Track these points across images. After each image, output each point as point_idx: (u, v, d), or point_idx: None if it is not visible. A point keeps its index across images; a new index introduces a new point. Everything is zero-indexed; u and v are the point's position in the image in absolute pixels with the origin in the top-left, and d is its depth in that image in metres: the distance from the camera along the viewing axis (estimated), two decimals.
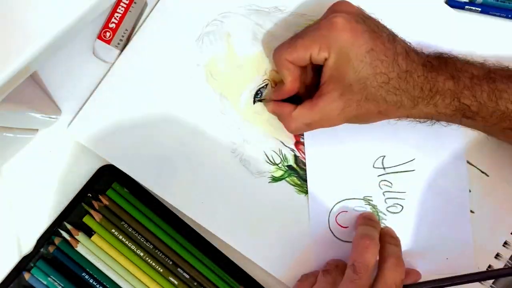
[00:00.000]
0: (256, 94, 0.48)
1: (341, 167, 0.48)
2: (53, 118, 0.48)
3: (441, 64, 0.41)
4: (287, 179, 0.48)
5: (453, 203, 0.47)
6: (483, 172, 0.48)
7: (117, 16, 0.48)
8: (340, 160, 0.48)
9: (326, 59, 0.40)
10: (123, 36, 0.48)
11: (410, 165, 0.48)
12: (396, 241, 0.45)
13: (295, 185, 0.48)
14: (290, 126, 0.43)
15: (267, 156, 0.48)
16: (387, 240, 0.44)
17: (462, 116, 0.41)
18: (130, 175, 0.47)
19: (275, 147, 0.48)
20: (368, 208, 0.47)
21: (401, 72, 0.39)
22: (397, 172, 0.48)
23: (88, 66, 0.49)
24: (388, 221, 0.48)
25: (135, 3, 0.48)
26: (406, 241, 0.47)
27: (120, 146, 0.47)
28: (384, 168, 0.48)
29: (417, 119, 0.42)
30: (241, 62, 0.48)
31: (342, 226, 0.47)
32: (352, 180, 0.48)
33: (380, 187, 0.48)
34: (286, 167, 0.48)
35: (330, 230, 0.47)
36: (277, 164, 0.48)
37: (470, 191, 0.48)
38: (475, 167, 0.48)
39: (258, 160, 0.48)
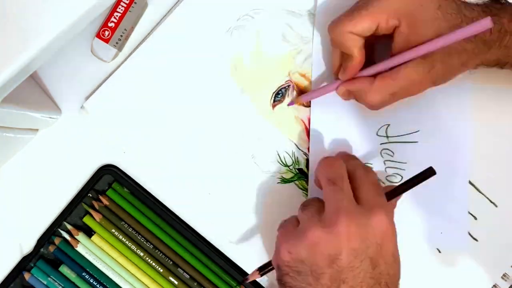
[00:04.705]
0: (277, 94, 0.48)
1: (344, 132, 0.47)
2: (53, 118, 0.48)
3: (499, 9, 0.40)
4: (296, 182, 0.48)
5: (453, 175, 0.47)
6: (491, 202, 0.47)
7: (117, 16, 0.48)
8: (343, 125, 0.47)
9: (397, 27, 0.40)
10: (121, 36, 0.48)
11: (413, 137, 0.47)
12: (355, 157, 0.44)
13: (303, 189, 0.48)
14: (374, 98, 0.41)
15: (279, 156, 0.48)
16: (346, 158, 0.43)
17: None
18: (136, 158, 0.48)
19: (288, 149, 0.48)
20: None
21: (469, 21, 0.39)
22: (400, 142, 0.47)
23: (87, 65, 0.49)
24: None
25: (135, 3, 0.48)
26: (400, 211, 0.46)
27: (132, 127, 0.48)
28: (387, 137, 0.47)
29: (489, 65, 0.42)
30: (266, 60, 0.48)
31: None
32: (354, 145, 0.47)
33: (382, 156, 0.47)
34: (297, 170, 0.48)
35: None
36: (288, 166, 0.48)
37: (476, 218, 0.47)
38: (484, 196, 0.47)
39: (270, 160, 0.48)
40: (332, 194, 0.39)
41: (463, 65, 0.41)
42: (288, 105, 0.48)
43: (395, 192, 0.41)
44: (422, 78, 0.40)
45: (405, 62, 0.40)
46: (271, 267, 0.42)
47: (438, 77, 0.41)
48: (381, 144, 0.47)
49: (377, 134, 0.47)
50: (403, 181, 0.44)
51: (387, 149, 0.47)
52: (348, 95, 0.43)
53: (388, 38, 0.41)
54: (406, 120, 0.47)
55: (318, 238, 0.37)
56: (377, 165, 0.47)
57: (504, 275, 0.47)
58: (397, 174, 0.47)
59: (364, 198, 0.39)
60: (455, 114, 0.47)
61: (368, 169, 0.42)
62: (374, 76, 0.41)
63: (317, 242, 0.37)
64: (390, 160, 0.47)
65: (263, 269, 0.42)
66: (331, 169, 0.40)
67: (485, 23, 0.35)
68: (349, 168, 0.41)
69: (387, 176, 0.47)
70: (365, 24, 0.40)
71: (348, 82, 0.43)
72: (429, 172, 0.41)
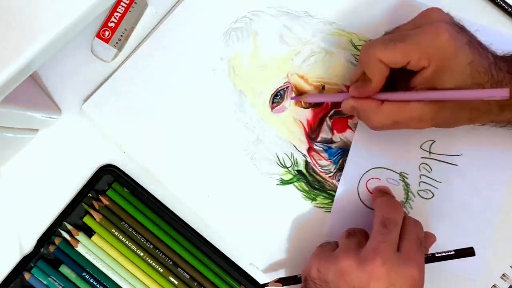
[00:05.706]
0: (276, 95, 0.48)
1: (389, 136, 0.47)
2: (53, 118, 0.48)
3: None
4: (295, 183, 0.48)
5: (482, 208, 0.47)
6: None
7: (117, 16, 0.48)
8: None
9: (424, 68, 0.39)
10: (121, 36, 0.48)
11: (455, 159, 0.47)
12: (407, 212, 0.45)
13: (302, 190, 0.48)
14: (375, 120, 0.42)
15: (278, 158, 0.48)
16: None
17: None
18: (136, 159, 0.48)
19: (287, 150, 0.48)
20: (400, 184, 0.47)
21: (494, 82, 0.39)
22: (440, 161, 0.47)
23: (87, 65, 0.49)
24: (415, 203, 0.47)
25: (135, 3, 0.48)
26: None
27: (131, 129, 0.48)
28: (430, 152, 0.47)
29: (499, 124, 0.43)
30: (265, 62, 0.49)
31: (369, 191, 0.47)
32: (395, 152, 0.47)
33: (419, 169, 0.47)
34: (295, 171, 0.48)
35: (358, 190, 0.47)
36: (287, 167, 0.48)
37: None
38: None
39: (269, 161, 0.48)
40: (379, 234, 0.40)
41: (471, 120, 0.41)
42: (292, 98, 0.48)
43: (431, 259, 0.42)
44: (427, 117, 0.40)
45: None
46: (292, 281, 0.44)
47: (442, 122, 0.41)
48: (422, 157, 0.47)
49: (420, 147, 0.47)
50: (433, 199, 0.47)
51: (426, 164, 0.47)
52: (352, 111, 0.44)
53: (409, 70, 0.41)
54: (452, 142, 0.47)
55: (348, 268, 0.38)
56: (412, 177, 0.47)
57: (503, 275, 0.47)
58: (429, 190, 0.47)
59: (405, 248, 0.39)
60: (499, 153, 0.47)
61: (417, 224, 0.42)
62: (382, 100, 0.41)
63: (346, 271, 0.38)
64: (426, 176, 0.47)
65: (285, 281, 0.44)
66: (391, 213, 0.41)
67: (502, 93, 0.36)
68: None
69: (418, 190, 0.47)
70: (397, 57, 0.40)
71: (357, 99, 0.43)
72: (468, 252, 0.42)
